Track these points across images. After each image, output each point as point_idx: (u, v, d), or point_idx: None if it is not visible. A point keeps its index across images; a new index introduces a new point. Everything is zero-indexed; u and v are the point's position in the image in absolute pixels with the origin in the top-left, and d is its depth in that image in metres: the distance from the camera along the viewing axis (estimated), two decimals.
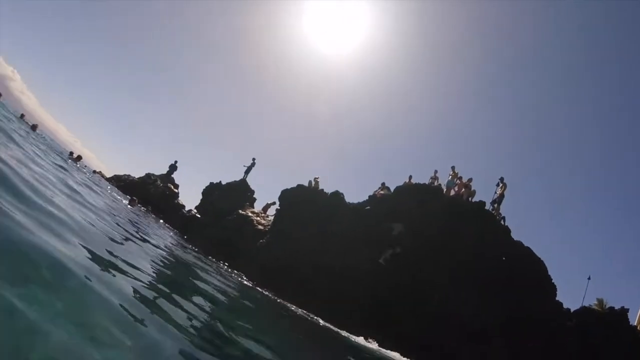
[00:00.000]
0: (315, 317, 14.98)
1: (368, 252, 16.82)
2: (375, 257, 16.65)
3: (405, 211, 17.00)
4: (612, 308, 17.99)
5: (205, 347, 4.64)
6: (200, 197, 24.55)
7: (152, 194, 25.86)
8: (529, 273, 17.00)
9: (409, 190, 17.75)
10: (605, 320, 17.00)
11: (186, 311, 5.50)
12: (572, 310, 18.13)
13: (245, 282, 15.76)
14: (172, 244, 14.63)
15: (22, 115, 25.33)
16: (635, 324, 20.51)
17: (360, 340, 15.06)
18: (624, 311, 17.56)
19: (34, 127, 22.65)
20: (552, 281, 17.77)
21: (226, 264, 18.24)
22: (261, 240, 19.34)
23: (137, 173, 32.29)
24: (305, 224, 18.04)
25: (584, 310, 18.77)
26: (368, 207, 17.83)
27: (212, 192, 23.96)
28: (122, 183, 28.06)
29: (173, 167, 28.29)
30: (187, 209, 24.74)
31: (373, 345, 14.99)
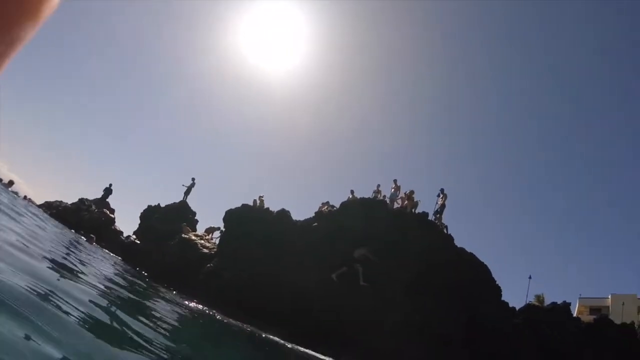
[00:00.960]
0: (276, 338, 14.40)
1: (319, 270, 16.55)
2: (328, 274, 16.41)
3: (353, 226, 16.89)
4: (555, 303, 18.93)
5: None
6: (139, 221, 23.24)
7: (86, 220, 24.18)
8: (474, 277, 17.44)
9: (355, 205, 17.69)
10: (551, 315, 17.82)
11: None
12: (517, 309, 18.91)
13: (197, 307, 14.95)
14: (115, 273, 13.73)
15: None
16: (575, 315, 21.73)
17: (320, 356, 14.64)
18: (567, 305, 18.59)
19: None
20: (497, 283, 18.36)
21: (174, 290, 17.30)
22: (209, 265, 18.51)
23: (69, 198, 30.33)
24: (253, 244, 17.47)
25: (529, 307, 19.65)
26: (315, 224, 17.57)
27: (151, 215, 22.73)
28: (54, 210, 26.20)
29: (108, 191, 26.56)
30: (125, 234, 23.32)
31: None
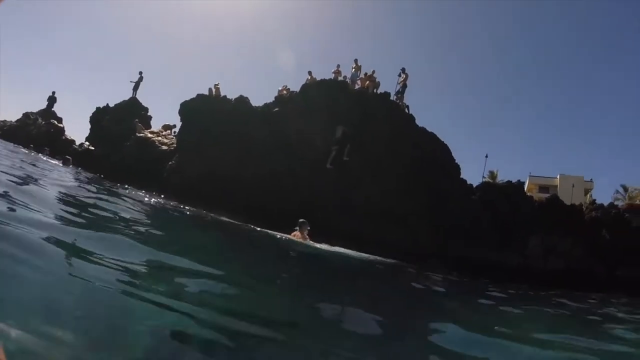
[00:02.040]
0: (251, 225, 14.45)
1: (285, 155, 16.44)
2: (293, 161, 16.33)
3: (315, 108, 16.62)
4: (510, 181, 19.81)
5: None
6: (89, 126, 22.06)
7: (34, 135, 22.82)
8: (435, 156, 17.82)
9: (316, 87, 17.26)
10: (505, 192, 18.64)
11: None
12: (474, 186, 19.73)
13: (165, 202, 14.65)
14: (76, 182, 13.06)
15: None
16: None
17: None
18: (520, 183, 19.44)
19: None
20: (456, 162, 18.87)
21: (141, 189, 16.82)
22: (170, 162, 18.01)
23: (12, 116, 28.36)
24: (213, 135, 16.99)
25: (485, 185, 20.54)
26: (277, 109, 17.15)
27: (101, 118, 21.58)
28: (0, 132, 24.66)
29: (52, 100, 24.75)
30: (78, 142, 22.21)
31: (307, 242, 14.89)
